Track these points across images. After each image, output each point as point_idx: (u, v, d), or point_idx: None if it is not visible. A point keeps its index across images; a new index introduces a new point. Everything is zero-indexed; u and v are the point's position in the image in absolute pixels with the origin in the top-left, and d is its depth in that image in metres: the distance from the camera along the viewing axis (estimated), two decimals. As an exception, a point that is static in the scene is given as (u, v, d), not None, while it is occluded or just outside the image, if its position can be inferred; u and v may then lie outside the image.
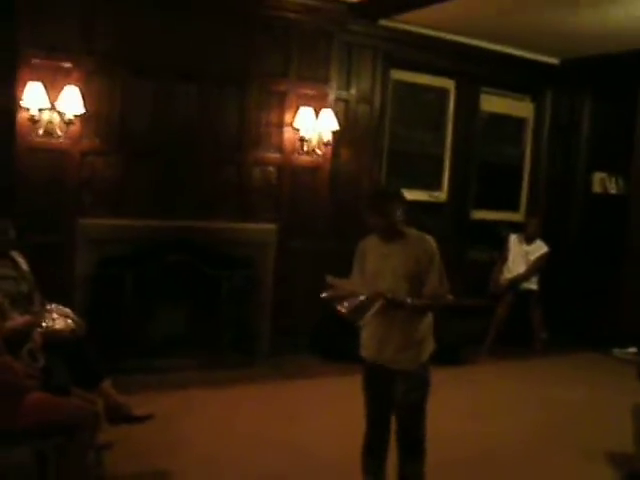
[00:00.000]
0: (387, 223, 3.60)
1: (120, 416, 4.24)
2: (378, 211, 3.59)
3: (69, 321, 4.25)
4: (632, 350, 7.57)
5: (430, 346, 3.73)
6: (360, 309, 3.47)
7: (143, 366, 5.96)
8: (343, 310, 3.50)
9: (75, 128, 5.65)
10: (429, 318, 3.72)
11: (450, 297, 3.69)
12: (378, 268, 3.65)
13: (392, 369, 3.65)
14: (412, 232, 3.70)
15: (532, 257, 7.84)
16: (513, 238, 8.04)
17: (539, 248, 7.87)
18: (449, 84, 8.03)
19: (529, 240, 7.93)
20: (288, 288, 6.72)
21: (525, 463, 4.78)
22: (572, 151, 8.81)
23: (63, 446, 3.51)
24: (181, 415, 5.08)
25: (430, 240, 3.66)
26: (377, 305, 3.45)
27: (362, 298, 3.45)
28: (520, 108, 8.80)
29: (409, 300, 3.53)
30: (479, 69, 7.99)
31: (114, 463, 4.14)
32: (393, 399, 3.72)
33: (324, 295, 3.61)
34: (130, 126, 5.94)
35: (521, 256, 7.88)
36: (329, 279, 3.57)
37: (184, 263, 6.13)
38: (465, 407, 5.59)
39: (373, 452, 3.86)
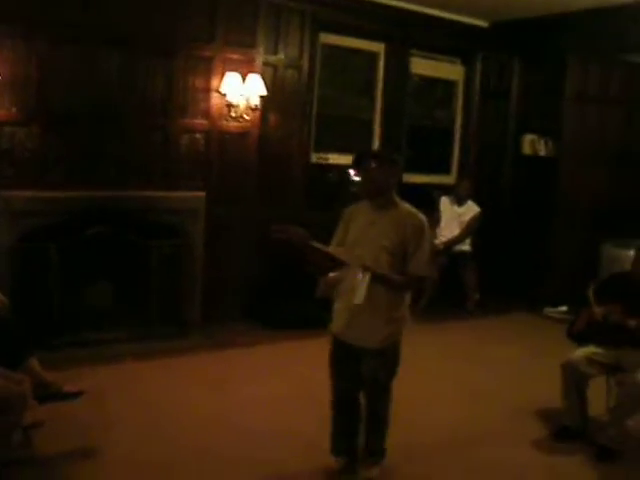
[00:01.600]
0: (385, 184, 3.53)
1: (49, 394, 4.15)
2: (381, 167, 3.52)
3: (-9, 298, 4.11)
4: (563, 309, 7.74)
5: (405, 324, 3.68)
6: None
7: (72, 341, 5.82)
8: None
9: (-11, 97, 5.42)
10: (408, 296, 3.67)
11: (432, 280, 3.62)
12: (361, 235, 3.59)
13: (361, 347, 3.58)
14: (404, 206, 3.62)
15: (465, 218, 7.90)
16: (444, 200, 8.08)
17: (471, 209, 7.94)
18: (379, 47, 7.96)
19: (460, 202, 7.97)
20: (218, 256, 6.65)
21: (457, 421, 4.86)
22: (502, 113, 8.90)
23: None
24: (113, 390, 4.99)
25: (421, 218, 3.59)
26: (366, 280, 3.40)
27: (359, 277, 3.40)
28: (450, 71, 8.80)
29: (395, 277, 3.47)
30: (409, 32, 7.93)
31: (45, 442, 4.06)
32: (362, 378, 3.68)
33: (307, 269, 3.56)
34: (50, 94, 5.69)
35: (453, 218, 7.94)
36: (314, 243, 3.46)
37: (111, 233, 5.98)
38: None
39: (342, 432, 3.83)
